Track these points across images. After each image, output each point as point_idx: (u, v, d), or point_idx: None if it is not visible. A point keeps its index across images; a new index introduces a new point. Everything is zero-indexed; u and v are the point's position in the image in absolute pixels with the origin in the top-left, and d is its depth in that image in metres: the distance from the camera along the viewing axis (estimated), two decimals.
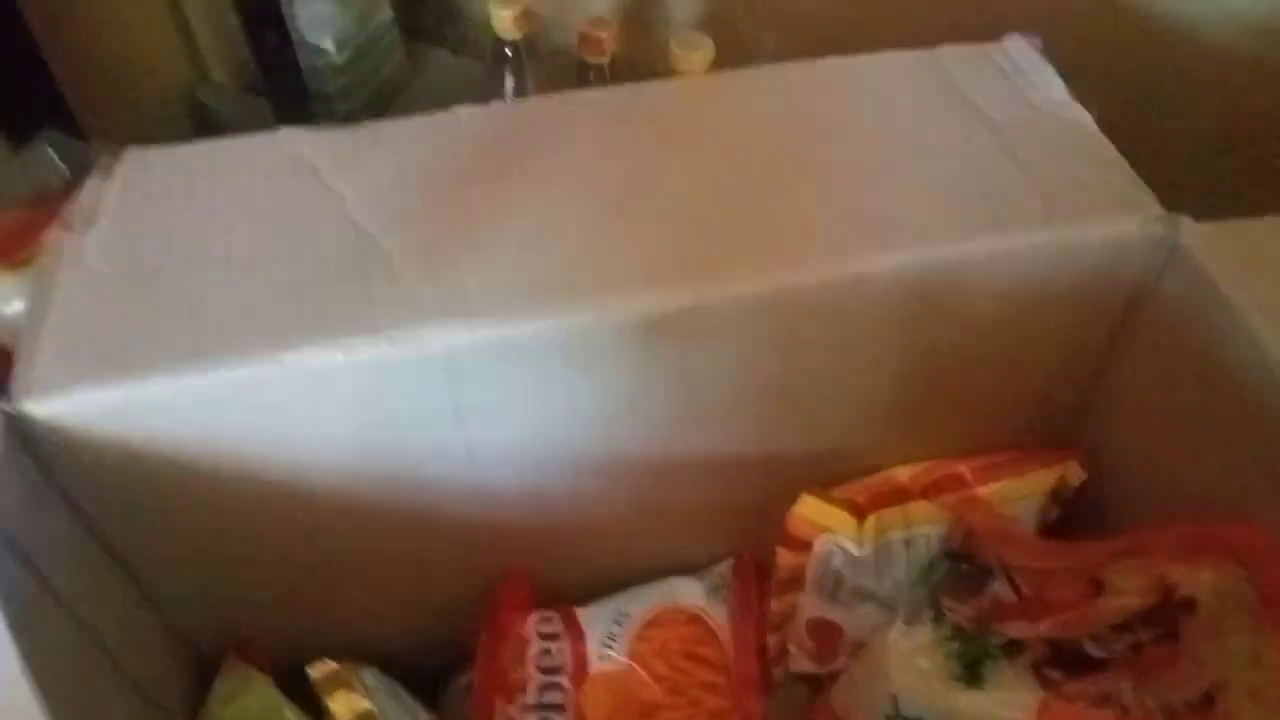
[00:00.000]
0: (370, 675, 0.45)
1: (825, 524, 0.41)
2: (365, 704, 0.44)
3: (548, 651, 0.43)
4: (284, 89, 0.68)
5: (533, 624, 0.44)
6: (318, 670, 0.44)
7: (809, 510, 0.41)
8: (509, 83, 0.70)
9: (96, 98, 0.78)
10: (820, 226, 0.36)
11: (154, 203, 0.39)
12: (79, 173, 0.64)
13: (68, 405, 0.33)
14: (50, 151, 0.63)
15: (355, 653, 0.45)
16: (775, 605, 0.44)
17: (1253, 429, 0.35)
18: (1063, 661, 0.38)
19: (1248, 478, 0.36)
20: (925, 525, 0.41)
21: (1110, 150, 0.38)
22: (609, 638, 0.43)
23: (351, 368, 0.34)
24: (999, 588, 0.40)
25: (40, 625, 0.32)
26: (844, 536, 0.41)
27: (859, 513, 0.41)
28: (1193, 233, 0.36)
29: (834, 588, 0.43)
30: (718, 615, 0.45)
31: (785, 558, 0.42)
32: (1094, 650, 0.37)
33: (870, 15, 0.68)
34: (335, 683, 0.44)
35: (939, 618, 0.40)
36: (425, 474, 0.38)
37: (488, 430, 0.37)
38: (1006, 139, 0.39)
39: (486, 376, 0.35)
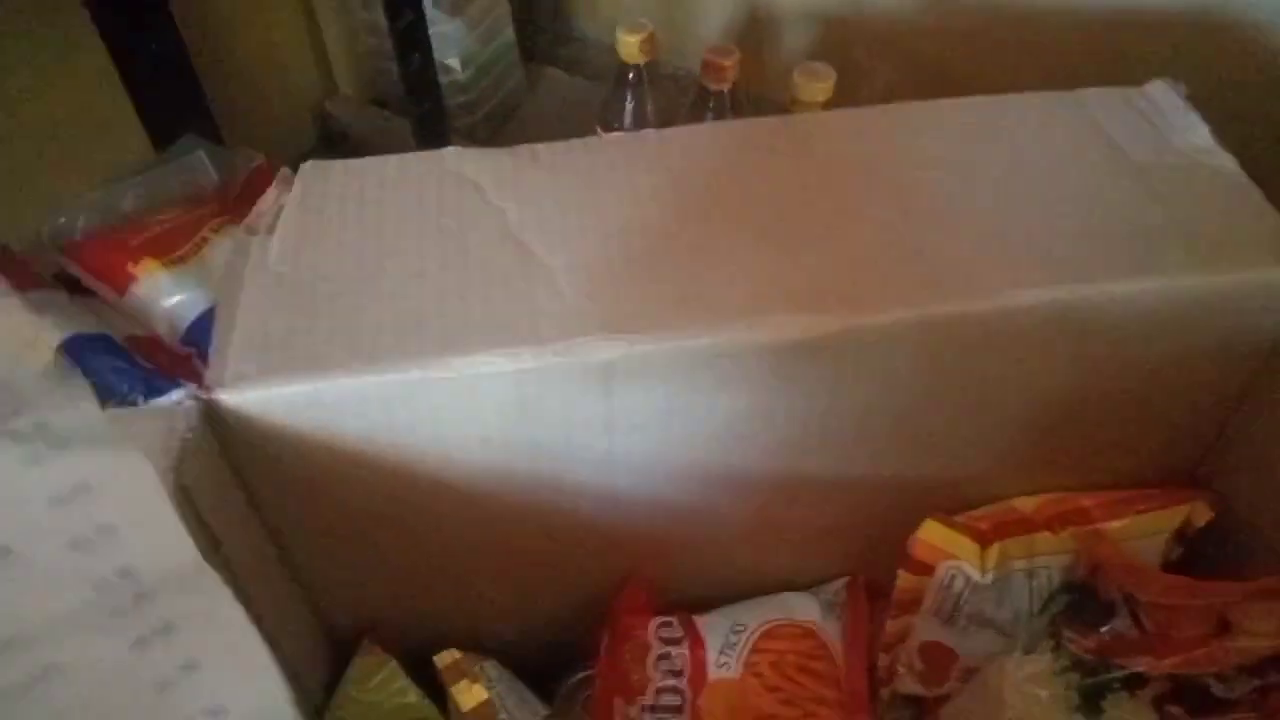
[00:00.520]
0: (492, 667, 0.47)
1: (949, 549, 0.42)
2: (485, 694, 0.46)
3: (667, 656, 0.45)
4: (424, 104, 0.71)
5: (654, 628, 0.46)
6: (443, 659, 0.46)
7: (933, 535, 0.42)
8: (629, 106, 0.72)
9: (234, 105, 0.83)
10: (966, 259, 0.37)
11: (329, 212, 0.42)
12: (225, 176, 0.69)
13: (255, 396, 0.36)
14: (204, 156, 0.67)
15: (478, 645, 0.47)
16: (890, 626, 0.45)
17: None
18: (1185, 699, 0.38)
19: None
20: (1048, 556, 0.42)
21: (1257, 196, 0.39)
22: (727, 646, 0.45)
23: (515, 374, 0.36)
24: (1121, 623, 0.40)
25: None
26: (967, 563, 0.42)
27: (983, 540, 0.41)
28: None
29: (952, 612, 0.43)
30: (831, 632, 0.46)
31: (905, 580, 0.43)
32: (1219, 690, 0.38)
33: (988, 59, 0.69)
34: (459, 672, 0.46)
35: (1058, 648, 0.41)
36: (568, 478, 0.40)
37: (631, 439, 0.39)
38: (1151, 182, 0.40)
39: (638, 388, 0.37)
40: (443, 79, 0.82)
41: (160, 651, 0.25)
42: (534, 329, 0.36)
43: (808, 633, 0.46)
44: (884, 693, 0.48)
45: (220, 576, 0.36)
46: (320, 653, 0.47)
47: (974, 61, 0.71)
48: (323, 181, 0.43)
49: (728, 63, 0.65)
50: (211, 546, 0.35)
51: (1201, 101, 0.42)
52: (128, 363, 0.56)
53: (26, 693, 0.23)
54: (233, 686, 0.25)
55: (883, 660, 0.47)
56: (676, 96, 0.73)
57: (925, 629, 0.45)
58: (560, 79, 0.94)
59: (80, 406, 0.26)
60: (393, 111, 0.90)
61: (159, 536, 0.24)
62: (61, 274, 0.62)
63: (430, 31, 0.79)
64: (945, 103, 0.44)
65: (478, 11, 0.84)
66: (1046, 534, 0.42)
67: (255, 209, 0.42)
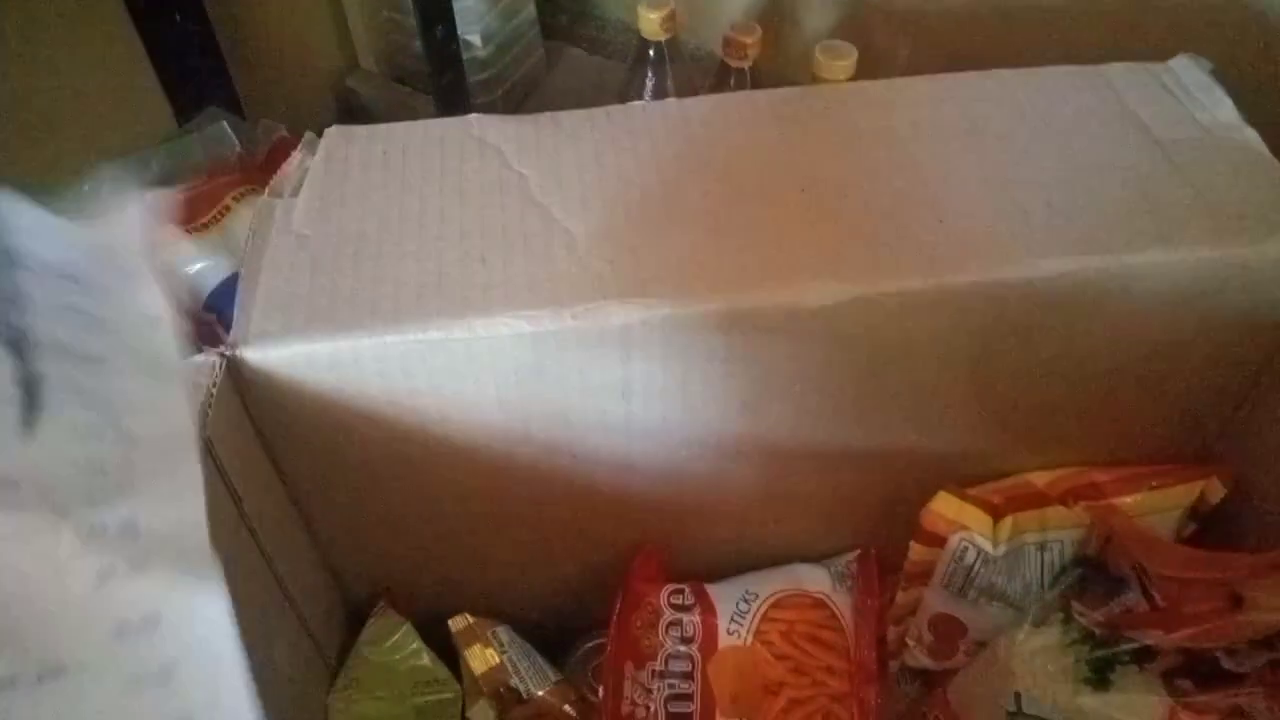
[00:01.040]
0: (504, 632, 0.48)
1: (961, 521, 0.42)
2: (497, 658, 0.46)
3: (679, 623, 0.45)
4: (445, 79, 0.71)
5: (665, 595, 0.46)
6: (457, 623, 0.47)
7: (946, 507, 0.42)
8: (649, 84, 0.72)
9: (256, 80, 0.83)
10: (986, 229, 0.37)
11: (353, 176, 0.42)
12: (247, 147, 0.70)
13: (278, 354, 0.36)
14: (226, 127, 0.68)
15: (491, 610, 0.48)
16: (900, 598, 0.46)
17: None
18: (1195, 673, 0.38)
19: None
20: (1060, 530, 0.42)
21: None
22: (738, 614, 0.45)
23: (534, 337, 0.36)
24: (1131, 596, 0.41)
25: (228, 534, 0.36)
26: (979, 535, 0.42)
27: (996, 513, 0.42)
28: None
29: (963, 585, 0.44)
30: (841, 603, 0.47)
31: (917, 551, 0.44)
32: (1229, 664, 0.38)
33: (1011, 39, 0.69)
34: (472, 636, 0.47)
35: (1068, 620, 0.41)
36: (584, 443, 0.41)
37: (649, 405, 0.39)
38: (1174, 157, 0.39)
39: (656, 354, 0.37)
40: (464, 55, 0.83)
41: None
42: (554, 292, 0.37)
43: (818, 603, 0.46)
44: (893, 665, 0.48)
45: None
46: (336, 613, 0.48)
47: (996, 41, 0.71)
48: (346, 146, 0.43)
49: (749, 40, 0.65)
50: (233, 502, 0.36)
51: (1227, 78, 0.42)
52: None
53: None
54: None
55: (892, 632, 0.47)
56: (697, 75, 0.73)
57: (935, 601, 0.45)
58: (580, 58, 0.94)
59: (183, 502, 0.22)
60: (414, 87, 0.90)
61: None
62: None
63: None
64: (967, 75, 0.44)
65: None
66: (1059, 508, 0.42)
67: (279, 172, 0.43)
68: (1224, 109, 0.41)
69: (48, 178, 0.66)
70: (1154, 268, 0.36)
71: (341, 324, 0.36)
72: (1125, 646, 0.39)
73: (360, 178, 0.42)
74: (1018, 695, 0.41)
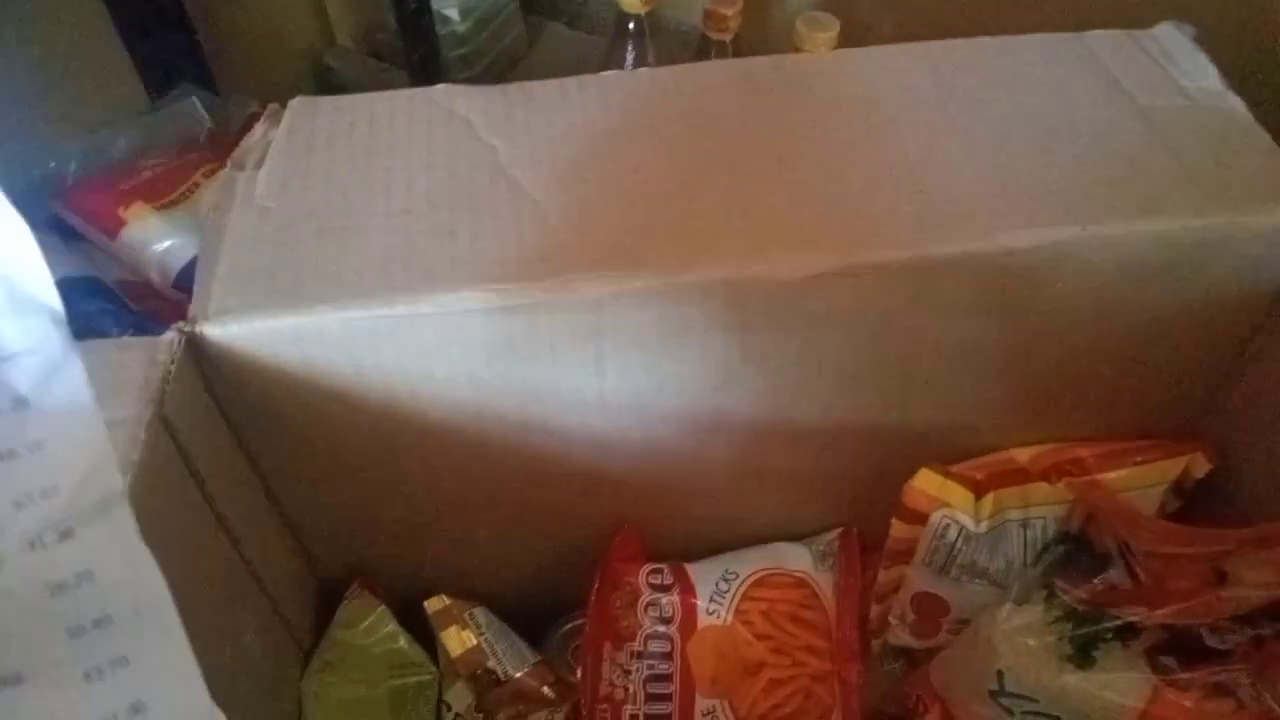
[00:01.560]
0: (481, 613, 0.47)
1: (943, 498, 0.41)
2: (474, 640, 0.46)
3: (657, 603, 0.45)
4: (419, 54, 0.70)
5: (644, 575, 0.45)
6: (433, 605, 0.46)
7: (927, 484, 0.42)
8: (630, 58, 0.71)
9: (229, 55, 0.82)
10: (966, 199, 0.36)
11: (318, 148, 0.41)
12: (218, 124, 0.68)
13: (239, 330, 0.35)
14: (196, 103, 0.66)
15: (468, 591, 0.47)
16: (882, 576, 0.45)
17: None
18: (1179, 650, 0.38)
19: None
20: (1043, 507, 0.42)
21: (1265, 139, 0.38)
22: (717, 594, 0.45)
23: (504, 311, 0.35)
24: (1115, 573, 0.40)
25: (189, 516, 0.35)
26: (961, 512, 0.41)
27: (978, 490, 0.41)
28: None
29: (945, 563, 0.43)
30: (823, 582, 0.46)
31: (898, 529, 0.43)
32: (1212, 641, 0.37)
33: (995, 11, 0.68)
34: (448, 618, 0.46)
35: (1051, 598, 0.40)
36: (558, 421, 0.40)
37: (622, 379, 0.38)
38: (1157, 124, 0.39)
39: (628, 326, 0.36)
40: (441, 30, 0.81)
41: None
42: (523, 265, 0.36)
43: (799, 582, 0.46)
44: (875, 644, 0.48)
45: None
46: (308, 595, 0.47)
47: (981, 12, 0.69)
48: (311, 118, 0.42)
49: (730, 12, 0.64)
50: (195, 483, 0.35)
51: (1211, 45, 0.41)
52: (119, 306, 0.55)
53: None
54: None
55: (874, 611, 0.47)
56: (678, 48, 0.72)
57: (918, 579, 0.44)
58: (561, 33, 0.92)
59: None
60: (391, 63, 0.88)
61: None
62: (53, 219, 0.61)
63: None
64: (948, 43, 0.43)
65: None
66: (1042, 484, 0.42)
67: (242, 144, 0.41)
68: (1208, 76, 0.40)
69: (16, 154, 0.65)
70: (1137, 238, 0.36)
71: (305, 299, 0.35)
72: (1108, 624, 0.38)
73: (325, 149, 0.41)
74: (1000, 674, 0.40)
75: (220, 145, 0.66)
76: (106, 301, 0.55)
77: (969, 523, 0.41)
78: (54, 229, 0.61)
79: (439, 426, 0.39)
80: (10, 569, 0.19)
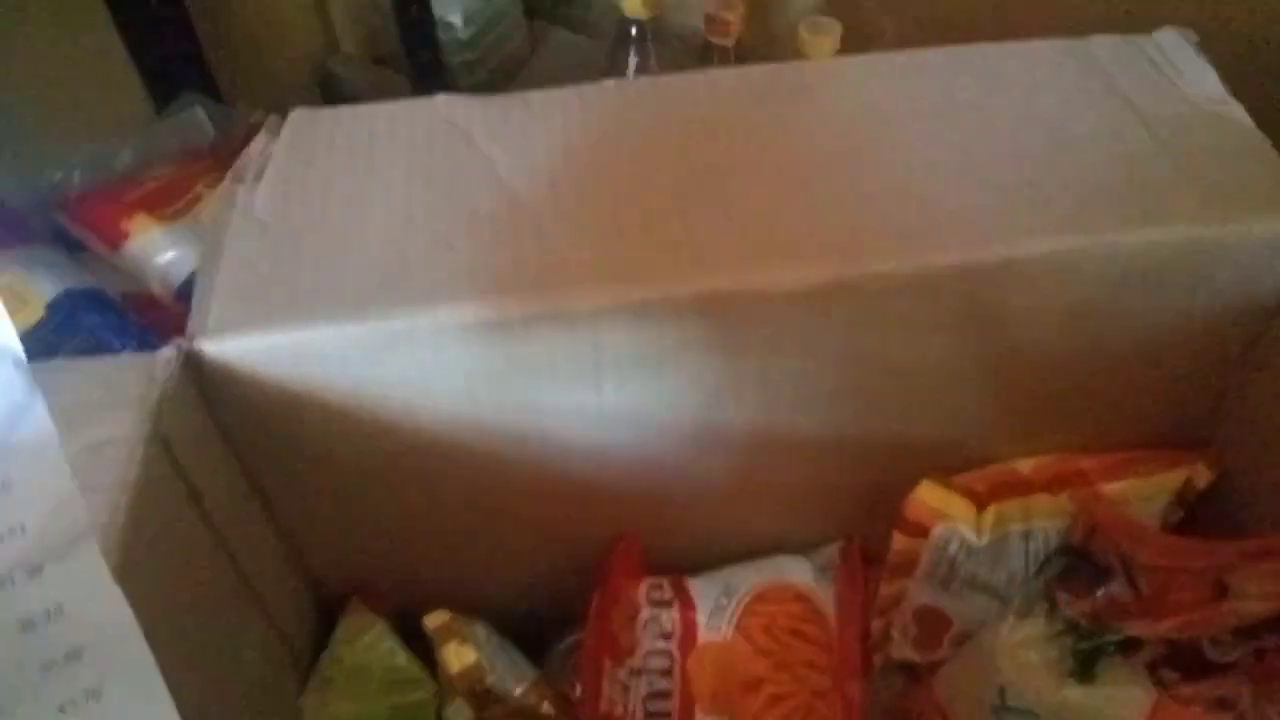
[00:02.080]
0: (481, 629, 0.47)
1: (944, 511, 0.41)
2: (474, 656, 0.46)
3: (657, 618, 0.44)
4: (421, 61, 0.70)
5: (644, 590, 0.45)
6: (433, 620, 0.46)
7: (929, 496, 0.41)
8: (632, 63, 0.71)
9: (233, 64, 0.82)
10: (968, 208, 0.36)
11: (317, 160, 0.41)
12: (223, 134, 0.68)
13: (237, 346, 0.35)
14: (200, 112, 0.66)
15: (468, 607, 0.47)
16: (884, 589, 0.45)
17: None
18: (1180, 663, 0.37)
19: None
20: (1045, 519, 0.41)
21: (1267, 146, 0.38)
22: (717, 609, 0.44)
23: (502, 325, 0.35)
24: (1116, 586, 0.40)
25: (186, 533, 0.35)
26: (963, 524, 0.41)
27: (979, 502, 0.41)
28: None
29: (947, 576, 0.43)
30: (824, 596, 0.46)
31: (900, 542, 0.43)
32: (1214, 654, 0.37)
33: (998, 17, 0.68)
34: (448, 633, 0.46)
35: (1053, 611, 0.40)
36: (557, 434, 0.40)
37: (620, 392, 0.38)
38: (1159, 132, 0.38)
39: (628, 339, 0.36)
40: (443, 36, 0.81)
41: None
42: (522, 278, 0.36)
43: (800, 596, 0.45)
44: (877, 658, 0.47)
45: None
46: (308, 612, 0.47)
47: (982, 19, 0.69)
48: (311, 129, 0.42)
49: (731, 17, 0.64)
50: (191, 499, 0.35)
51: (1213, 51, 0.41)
52: (122, 318, 0.55)
53: None
54: None
55: (876, 625, 0.46)
56: (681, 53, 0.72)
57: (920, 593, 0.44)
58: (564, 38, 0.92)
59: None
60: (395, 69, 0.89)
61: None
62: (56, 230, 0.62)
63: None
64: (950, 50, 0.43)
65: None
66: (1044, 496, 0.41)
67: (242, 156, 0.42)
68: (1209, 83, 0.40)
69: (21, 165, 0.66)
70: (1138, 246, 0.35)
71: (304, 314, 0.35)
72: (1110, 638, 0.38)
73: (325, 162, 0.41)
74: (1002, 689, 0.40)
75: (224, 154, 0.65)
76: (110, 314, 0.55)
77: (971, 535, 0.41)
78: (58, 240, 0.61)
79: (437, 441, 0.39)
80: None
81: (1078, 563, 0.41)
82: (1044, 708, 0.39)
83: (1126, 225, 0.36)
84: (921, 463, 0.43)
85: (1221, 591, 0.37)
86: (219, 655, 0.37)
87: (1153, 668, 0.38)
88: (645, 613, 0.44)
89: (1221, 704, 0.37)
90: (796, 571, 0.46)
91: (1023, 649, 0.40)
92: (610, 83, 0.43)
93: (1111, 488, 0.41)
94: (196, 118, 0.67)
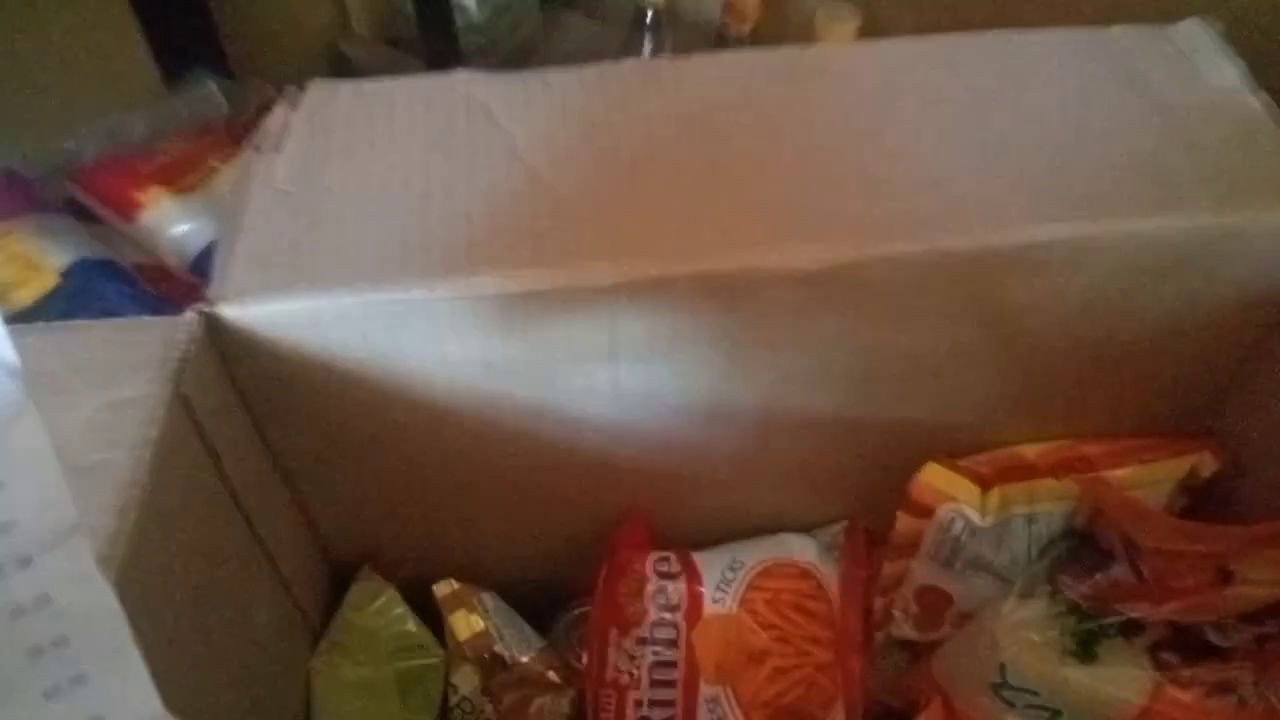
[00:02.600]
0: (489, 598, 0.47)
1: (950, 492, 0.42)
2: (482, 624, 0.46)
3: (664, 590, 0.45)
4: (436, 43, 0.70)
5: (651, 563, 0.46)
6: (442, 589, 0.46)
7: (934, 477, 0.42)
8: (647, 49, 0.71)
9: (246, 43, 0.82)
10: (984, 193, 0.37)
11: (336, 132, 0.41)
12: (236, 109, 0.69)
13: (257, 311, 0.35)
14: (213, 87, 0.67)
15: (477, 576, 0.47)
16: (887, 569, 0.45)
17: None
18: (1182, 647, 0.38)
19: None
20: (1049, 503, 0.42)
21: None
22: (723, 583, 0.45)
23: (519, 297, 0.35)
24: (1120, 570, 0.40)
25: (204, 494, 0.35)
26: (967, 506, 0.41)
27: (984, 484, 0.41)
28: None
29: (950, 556, 0.43)
30: (828, 573, 0.46)
31: (904, 522, 0.43)
32: (1216, 639, 0.38)
33: (1017, 8, 0.67)
34: (457, 602, 0.47)
35: (1055, 593, 0.40)
36: (571, 408, 0.40)
37: (635, 369, 0.39)
38: (1178, 122, 0.39)
39: (644, 315, 0.37)
40: (458, 20, 0.81)
41: None
42: (539, 251, 0.36)
43: (805, 573, 0.46)
44: (878, 636, 0.48)
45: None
46: (319, 577, 0.47)
47: (1001, 8, 0.69)
48: (330, 101, 0.43)
49: (749, 4, 0.64)
50: (210, 459, 0.35)
51: (1237, 43, 0.41)
52: (135, 288, 0.56)
53: None
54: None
55: (878, 604, 0.47)
56: (696, 41, 0.72)
57: (922, 572, 0.45)
58: (579, 23, 0.92)
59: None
60: (407, 51, 0.89)
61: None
62: (70, 201, 0.62)
63: None
64: (968, 36, 0.43)
65: None
66: (1049, 480, 0.42)
67: (262, 127, 0.42)
68: (1232, 74, 0.40)
69: (32, 136, 0.66)
70: (1153, 234, 0.36)
71: (323, 282, 0.35)
72: (1112, 619, 0.39)
73: (344, 133, 0.41)
74: (1003, 667, 0.40)
75: (237, 130, 0.66)
76: (123, 284, 0.55)
77: (975, 517, 0.41)
78: (70, 211, 0.61)
79: (452, 411, 0.39)
80: None
81: (1081, 546, 0.42)
82: (1044, 687, 0.39)
83: (1142, 214, 0.36)
84: (928, 445, 0.43)
85: (1225, 577, 0.37)
86: (231, 615, 0.37)
87: (1154, 651, 0.38)
88: (652, 584, 0.45)
89: (1222, 688, 0.37)
90: (802, 549, 0.47)
91: (1024, 628, 0.40)
92: (630, 61, 0.43)
93: (1116, 474, 0.42)
94: (210, 91, 0.67)
